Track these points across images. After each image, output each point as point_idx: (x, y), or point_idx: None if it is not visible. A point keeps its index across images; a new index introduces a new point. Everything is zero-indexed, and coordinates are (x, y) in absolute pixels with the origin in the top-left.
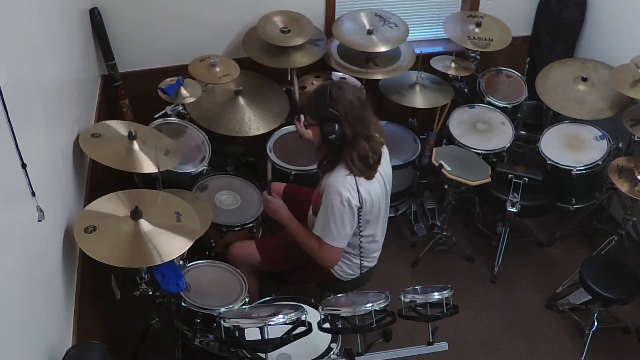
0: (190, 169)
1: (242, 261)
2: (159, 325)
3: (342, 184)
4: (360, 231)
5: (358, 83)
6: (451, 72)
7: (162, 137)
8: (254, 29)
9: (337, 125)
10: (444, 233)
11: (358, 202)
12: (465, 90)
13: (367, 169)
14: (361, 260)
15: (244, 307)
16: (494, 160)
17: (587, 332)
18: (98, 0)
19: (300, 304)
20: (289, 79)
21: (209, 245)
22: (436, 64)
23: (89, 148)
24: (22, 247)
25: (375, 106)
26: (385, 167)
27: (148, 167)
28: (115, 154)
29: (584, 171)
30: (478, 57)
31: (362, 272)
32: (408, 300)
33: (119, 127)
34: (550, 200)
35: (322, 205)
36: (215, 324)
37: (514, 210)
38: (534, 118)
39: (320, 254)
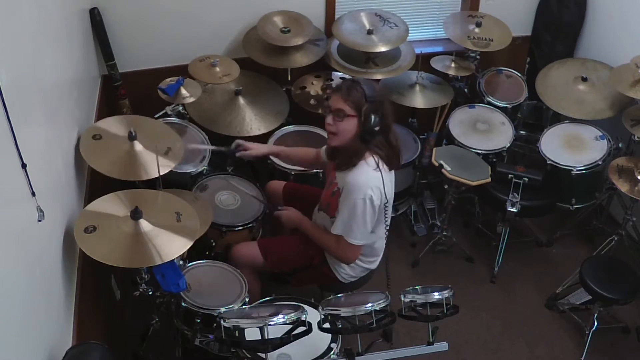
0: (190, 169)
1: (244, 262)
2: (159, 325)
3: (366, 183)
4: (387, 227)
5: None
6: (451, 72)
7: (163, 130)
8: (254, 29)
9: (376, 116)
10: (444, 233)
11: (385, 198)
12: (465, 90)
13: (395, 163)
14: (376, 258)
15: (244, 307)
16: (494, 160)
17: (587, 332)
18: (98, 0)
19: (300, 304)
20: (289, 79)
21: (209, 245)
22: (436, 64)
23: (90, 156)
24: (22, 247)
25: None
26: None
27: (152, 171)
28: (117, 161)
29: (584, 171)
30: (478, 57)
31: (365, 274)
32: (408, 300)
33: (119, 126)
34: (550, 200)
35: (343, 204)
36: (215, 324)
37: (514, 210)
38: (534, 118)
39: (337, 251)
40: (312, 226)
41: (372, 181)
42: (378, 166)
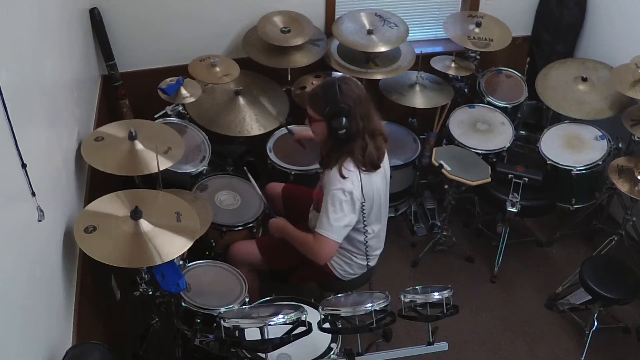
0: (190, 169)
1: (242, 260)
2: (159, 325)
3: (345, 178)
4: (365, 226)
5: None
6: (451, 72)
7: (164, 131)
8: (254, 29)
9: (345, 120)
10: (444, 233)
11: (362, 196)
12: (465, 90)
13: (371, 164)
14: (367, 258)
15: (243, 307)
16: (494, 160)
17: (587, 332)
18: (98, 0)
19: (300, 304)
20: (289, 79)
21: (209, 245)
22: (436, 64)
23: (91, 157)
24: (22, 247)
25: (375, 106)
26: (385, 163)
27: (153, 167)
28: (118, 159)
29: (584, 171)
30: (478, 57)
31: (363, 271)
32: (408, 300)
33: (119, 129)
34: (550, 200)
35: (324, 198)
36: (215, 324)
37: (514, 210)
38: (534, 118)
39: (313, 247)
40: (293, 228)
41: (350, 177)
42: (356, 167)
